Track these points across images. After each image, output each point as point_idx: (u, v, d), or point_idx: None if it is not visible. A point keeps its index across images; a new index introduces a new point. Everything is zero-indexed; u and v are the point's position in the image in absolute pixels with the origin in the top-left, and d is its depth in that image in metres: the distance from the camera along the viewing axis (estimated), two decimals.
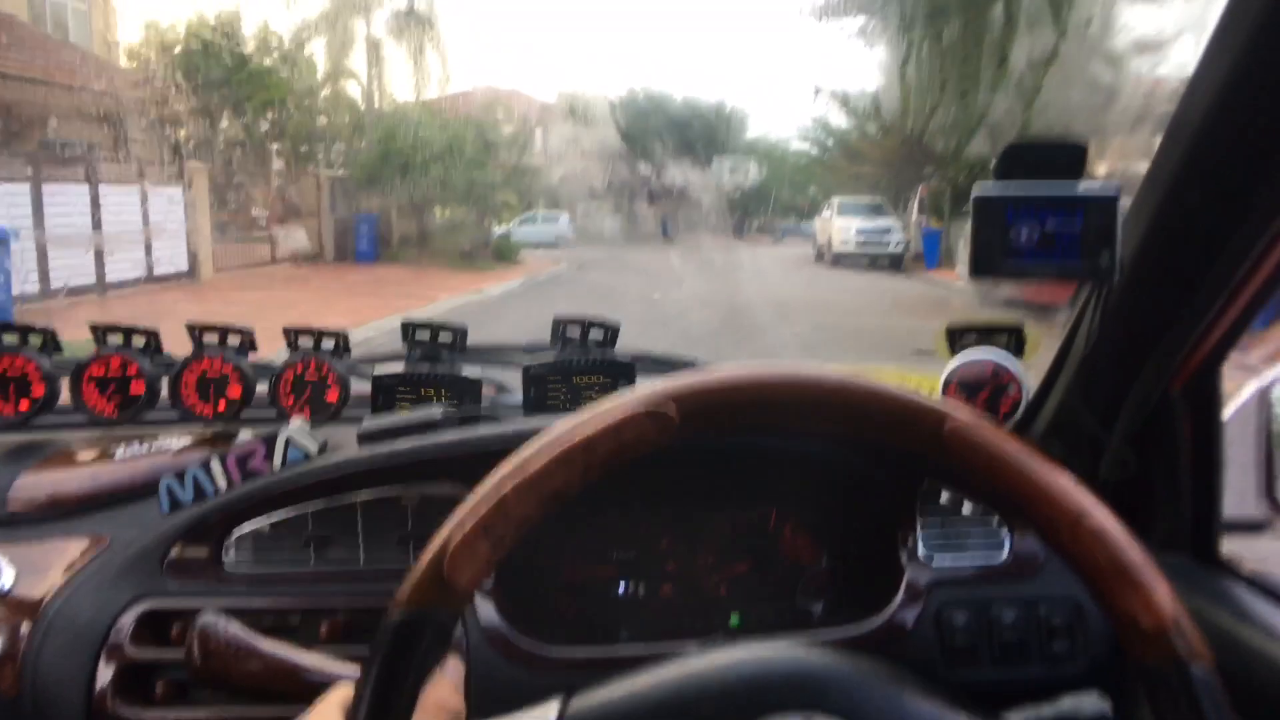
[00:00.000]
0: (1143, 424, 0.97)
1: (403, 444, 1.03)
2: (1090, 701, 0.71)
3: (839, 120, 20.77)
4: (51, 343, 1.32)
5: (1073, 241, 0.78)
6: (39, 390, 1.28)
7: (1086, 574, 0.56)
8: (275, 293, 11.92)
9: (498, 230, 18.83)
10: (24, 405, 1.28)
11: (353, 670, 0.72)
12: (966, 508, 1.03)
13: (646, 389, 0.62)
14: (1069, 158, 0.80)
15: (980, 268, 0.80)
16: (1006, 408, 1.08)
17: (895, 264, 17.56)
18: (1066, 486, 0.56)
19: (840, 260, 17.95)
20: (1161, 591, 0.53)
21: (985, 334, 1.10)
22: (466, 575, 0.57)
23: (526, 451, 0.59)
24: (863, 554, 1.12)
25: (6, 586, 1.05)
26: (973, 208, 0.81)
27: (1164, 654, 0.52)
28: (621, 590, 1.16)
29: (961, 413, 0.58)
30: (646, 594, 1.16)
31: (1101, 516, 0.56)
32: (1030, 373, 1.12)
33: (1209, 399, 0.94)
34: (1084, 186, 0.79)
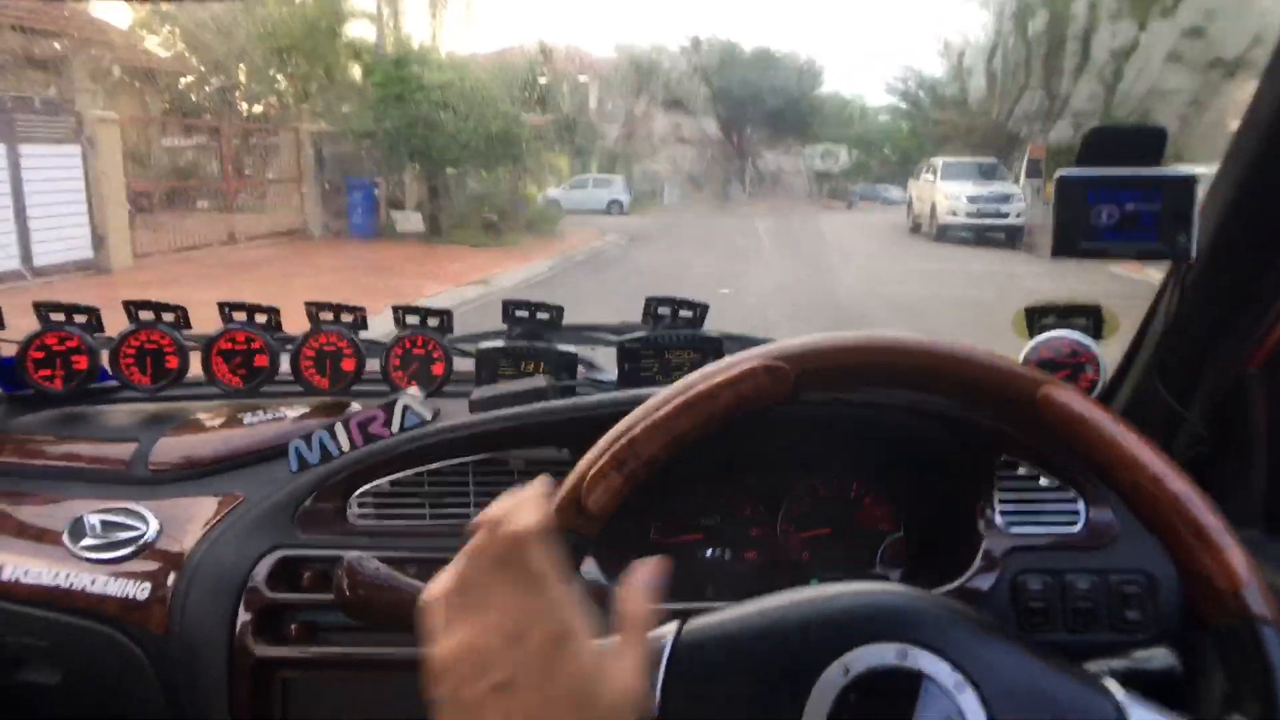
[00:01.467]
0: (1218, 403, 1.00)
1: (510, 411, 1.12)
2: (1160, 655, 0.75)
3: (934, 69, 18.63)
4: (183, 319, 1.44)
5: (1151, 221, 0.83)
6: (173, 363, 1.40)
7: (1165, 535, 0.61)
8: (205, 287, 8.58)
9: (542, 196, 16.55)
10: (160, 377, 1.40)
11: None
12: (1043, 480, 1.08)
13: (766, 347, 0.69)
14: (1149, 142, 0.85)
15: (1062, 248, 0.85)
16: (1084, 387, 1.12)
17: (1012, 238, 14.25)
18: (1149, 451, 0.62)
19: (946, 233, 14.76)
20: (1236, 553, 0.58)
21: (1064, 314, 1.14)
22: (601, 501, 0.65)
23: (656, 399, 0.67)
24: (940, 524, 1.17)
25: (153, 538, 1.16)
26: (1054, 190, 0.85)
27: (1237, 614, 0.57)
28: (708, 554, 1.23)
29: (1053, 378, 0.64)
30: (731, 558, 1.23)
31: (1181, 481, 0.61)
32: (1109, 354, 1.16)
33: None
34: (1163, 169, 0.84)
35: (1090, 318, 1.13)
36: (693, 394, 0.66)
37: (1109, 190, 0.84)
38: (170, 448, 1.27)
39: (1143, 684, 0.72)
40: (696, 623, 0.66)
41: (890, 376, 0.69)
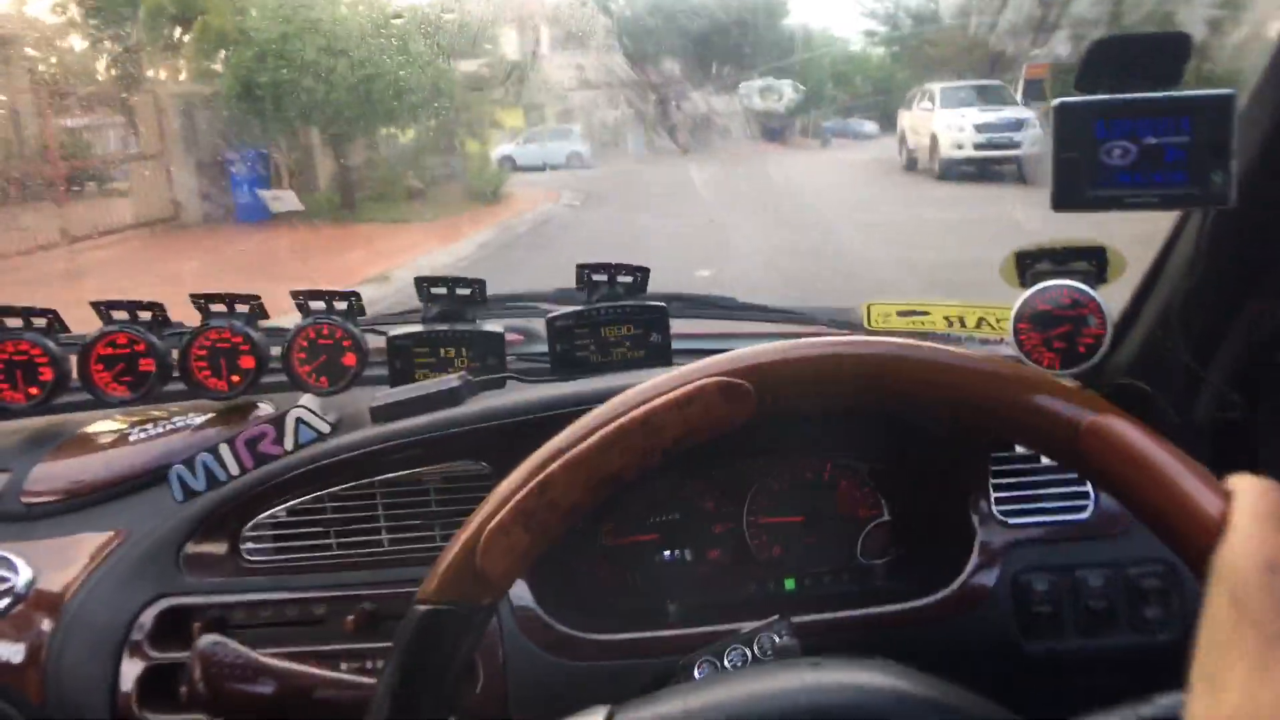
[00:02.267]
0: (1247, 359, 0.85)
1: (420, 421, 0.95)
2: None
3: None
4: (57, 324, 1.26)
5: (1179, 158, 0.65)
6: (47, 374, 1.22)
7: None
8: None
9: (496, 154, 14.79)
10: (34, 391, 1.22)
11: (371, 683, 0.66)
12: (1044, 459, 0.92)
13: (719, 358, 0.52)
14: (1169, 55, 0.67)
15: (1065, 197, 0.68)
16: (1087, 345, 0.95)
17: (1025, 171, 11.61)
18: (1212, 498, 0.45)
19: (952, 169, 12.32)
20: None
21: (1061, 259, 0.97)
22: (501, 568, 0.50)
23: (578, 426, 0.51)
24: (928, 507, 1.03)
25: (24, 587, 1.01)
26: (1054, 122, 0.68)
27: None
28: (666, 557, 1.08)
29: (1099, 408, 0.48)
30: (693, 560, 1.08)
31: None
32: (1112, 300, 0.99)
33: None
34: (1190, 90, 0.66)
35: (1093, 261, 0.96)
36: (626, 421, 0.50)
37: (1123, 120, 0.66)
38: (46, 476, 1.11)
39: None
40: (629, 719, 0.51)
41: (881, 397, 0.52)
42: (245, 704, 0.67)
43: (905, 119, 14.40)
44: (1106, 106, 0.67)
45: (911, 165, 13.54)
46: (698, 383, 0.51)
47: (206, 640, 0.67)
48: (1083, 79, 0.69)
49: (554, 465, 0.51)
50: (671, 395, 0.51)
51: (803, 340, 0.53)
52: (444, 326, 1.15)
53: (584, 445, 0.51)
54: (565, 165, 15.51)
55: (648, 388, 0.52)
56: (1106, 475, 0.47)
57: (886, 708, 0.50)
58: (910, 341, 0.52)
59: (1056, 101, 0.69)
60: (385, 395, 0.99)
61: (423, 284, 1.18)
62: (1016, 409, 0.49)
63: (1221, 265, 0.81)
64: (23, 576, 1.02)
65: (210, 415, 1.19)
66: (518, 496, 0.51)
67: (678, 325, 1.20)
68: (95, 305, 1.24)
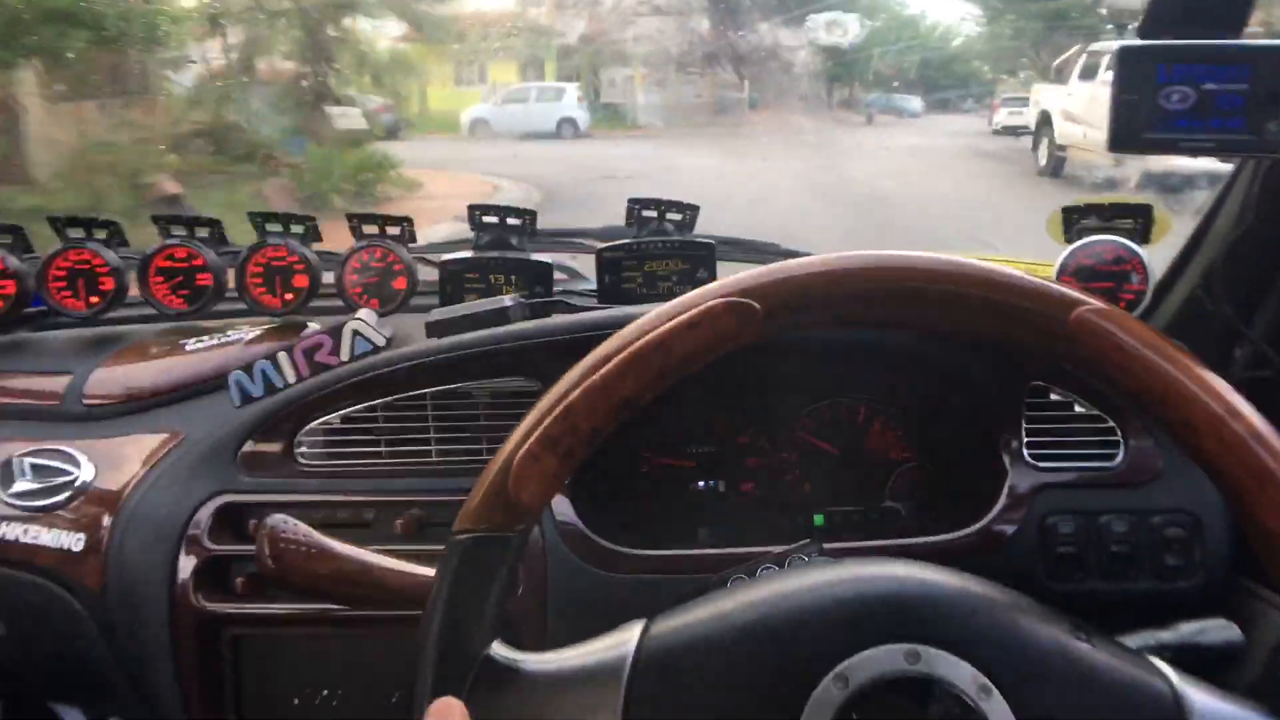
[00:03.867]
0: None
1: (472, 336, 0.99)
2: (1216, 628, 0.64)
3: None
4: (118, 235, 1.30)
5: (1237, 105, 0.67)
6: (107, 284, 1.26)
7: (1226, 479, 0.50)
8: None
9: (466, 116, 11.75)
10: (94, 300, 1.27)
11: (425, 571, 0.69)
12: (1078, 408, 0.95)
13: (726, 280, 0.55)
14: (1231, 3, 0.68)
15: (1121, 138, 0.70)
16: (1128, 300, 0.97)
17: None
18: (1213, 384, 0.49)
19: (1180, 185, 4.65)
20: None
21: (1107, 216, 0.98)
22: (532, 493, 0.53)
23: (595, 355, 0.54)
24: (959, 453, 1.05)
25: (87, 481, 1.05)
26: (1116, 66, 0.69)
27: None
28: (700, 486, 1.12)
29: (1090, 299, 0.51)
30: (726, 490, 1.11)
31: (1248, 419, 0.49)
32: (1156, 260, 1.01)
33: None
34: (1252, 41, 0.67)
35: (1138, 218, 0.98)
36: (640, 345, 0.53)
37: (1184, 66, 0.67)
38: (106, 380, 1.16)
39: (1199, 662, 0.61)
40: (663, 626, 0.54)
41: (886, 306, 0.55)
42: (305, 579, 0.71)
43: (1053, 96, 9.07)
44: (1168, 51, 0.68)
45: (1058, 169, 8.49)
46: (706, 304, 0.54)
47: (275, 518, 0.71)
48: (1147, 24, 0.70)
49: (575, 392, 0.54)
50: (682, 318, 0.54)
51: (804, 259, 0.55)
52: (494, 254, 1.18)
53: (602, 372, 0.54)
54: (556, 133, 12.04)
55: (659, 312, 0.55)
56: (1097, 361, 0.50)
57: (920, 595, 0.53)
58: (904, 252, 0.54)
59: (1118, 45, 0.70)
60: (439, 312, 1.02)
61: (475, 211, 1.21)
62: (1007, 303, 0.52)
63: (1270, 219, 0.83)
64: (84, 471, 1.06)
65: (262, 331, 1.23)
66: (544, 424, 0.54)
67: (723, 269, 1.23)
68: (155, 219, 1.28)
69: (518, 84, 13.58)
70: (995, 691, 0.48)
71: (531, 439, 0.53)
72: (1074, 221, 1.00)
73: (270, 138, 6.94)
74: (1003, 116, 11.55)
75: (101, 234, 1.28)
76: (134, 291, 1.31)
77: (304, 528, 0.72)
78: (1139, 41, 0.70)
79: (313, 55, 7.79)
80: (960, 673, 0.49)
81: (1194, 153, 0.70)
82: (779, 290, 0.54)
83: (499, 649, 0.55)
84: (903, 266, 0.53)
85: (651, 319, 0.55)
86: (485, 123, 12.30)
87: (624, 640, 0.54)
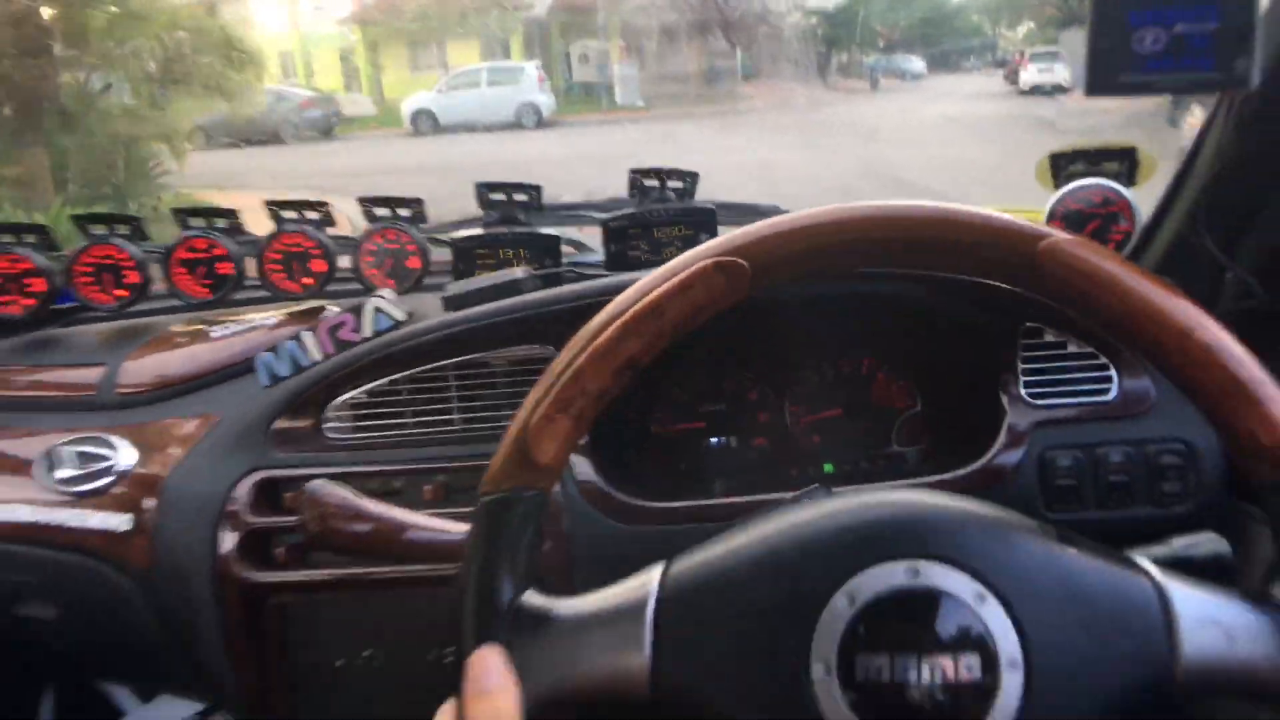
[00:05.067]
0: (1273, 249, 0.90)
1: (487, 308, 1.03)
2: (1206, 541, 0.68)
3: None
4: (139, 231, 1.34)
5: (1205, 44, 0.70)
6: (133, 277, 1.31)
7: (1198, 393, 0.54)
8: None
9: (407, 106, 9.80)
10: (121, 293, 1.32)
11: (457, 527, 0.74)
12: (1071, 346, 0.98)
13: (713, 241, 0.59)
14: None
15: (1098, 82, 0.73)
16: (1116, 240, 1.01)
17: None
18: (1172, 301, 0.53)
19: None
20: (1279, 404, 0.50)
21: (1094, 160, 1.02)
22: (550, 453, 0.57)
23: (597, 320, 0.58)
24: (961, 398, 1.09)
25: (128, 466, 1.10)
26: (1090, 11, 0.72)
27: None
28: (713, 443, 1.16)
29: (1055, 232, 0.54)
30: (739, 446, 1.16)
31: (1212, 330, 0.53)
32: (1144, 201, 1.04)
33: None
34: None
35: (1123, 161, 1.01)
36: (637, 309, 0.57)
37: (1154, 10, 0.70)
38: (138, 369, 1.21)
39: (1190, 571, 0.65)
40: (682, 564, 0.58)
41: (865, 256, 0.59)
42: (347, 540, 0.76)
43: None
44: None
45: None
46: (696, 265, 0.58)
47: (316, 483, 0.75)
48: None
49: (581, 357, 0.58)
50: (674, 281, 0.58)
51: (785, 215, 0.59)
52: (503, 229, 1.22)
53: (604, 336, 0.58)
54: (515, 121, 10.09)
55: (654, 276, 0.59)
56: (1065, 290, 0.54)
57: (917, 515, 0.57)
58: (881, 202, 0.58)
59: None
60: (455, 286, 1.06)
61: (482, 189, 1.25)
62: (977, 241, 0.56)
63: (1247, 154, 0.86)
64: (124, 455, 1.11)
65: (283, 316, 1.28)
66: (556, 388, 0.58)
67: (725, 232, 1.26)
68: (176, 211, 1.33)
69: (465, 66, 11.24)
70: (991, 597, 0.53)
71: (545, 403, 0.57)
72: (1061, 167, 1.03)
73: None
74: (1031, 74, 10.92)
75: (124, 229, 1.33)
76: (156, 286, 1.36)
77: (343, 490, 0.76)
78: None
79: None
80: (958, 583, 0.53)
81: (1166, 91, 0.73)
82: (763, 247, 0.58)
83: (532, 597, 0.59)
84: (878, 216, 0.57)
85: (646, 283, 0.59)
86: (429, 114, 10.31)
87: (647, 580, 0.58)
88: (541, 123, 10.38)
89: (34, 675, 1.39)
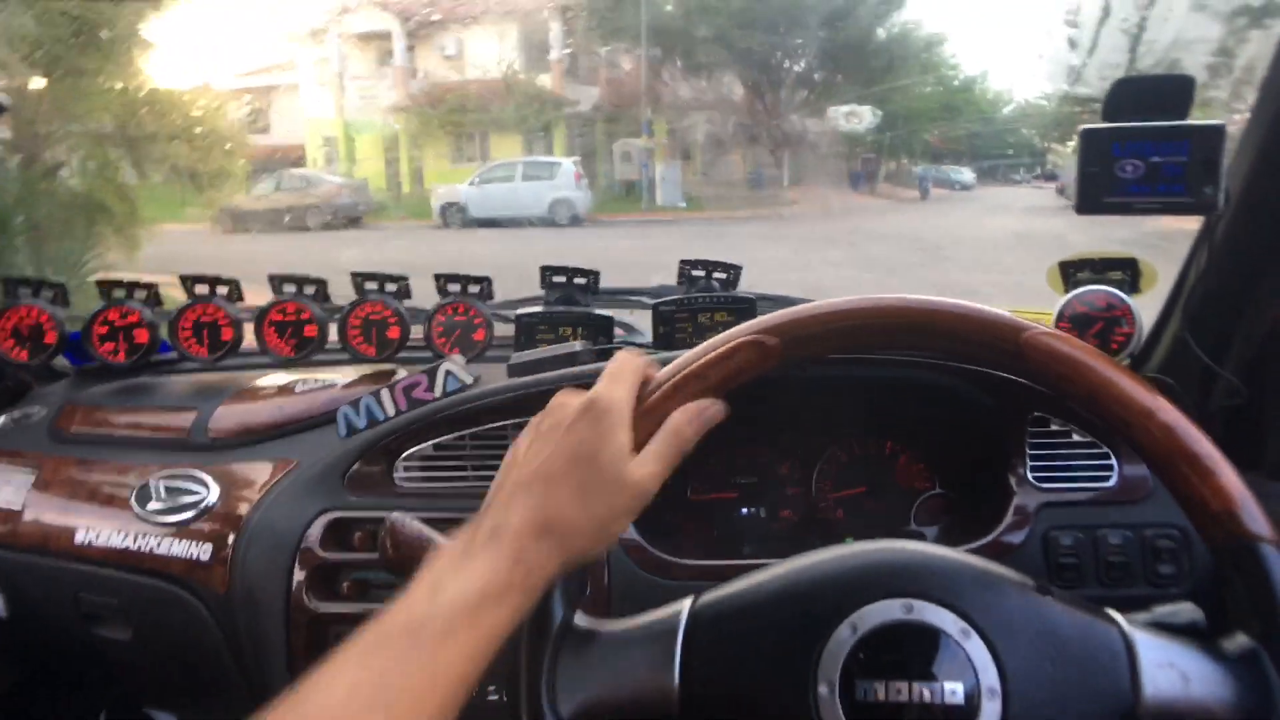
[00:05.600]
0: (1254, 353, 0.99)
1: (547, 375, 1.15)
2: (1185, 610, 0.76)
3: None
4: (236, 292, 1.50)
5: (1178, 173, 0.82)
6: (228, 334, 1.46)
7: (1159, 464, 0.63)
8: None
9: (436, 202, 9.62)
10: (216, 349, 1.46)
11: None
12: (1075, 435, 1.08)
13: (751, 321, 0.71)
14: (1176, 93, 0.84)
15: (1087, 202, 0.85)
16: (1119, 342, 1.11)
17: None
18: (1136, 388, 0.63)
19: None
20: (1226, 475, 0.59)
21: (1099, 269, 1.13)
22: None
23: (653, 384, 0.69)
24: (975, 481, 1.18)
25: (214, 501, 1.22)
26: (1080, 144, 0.85)
27: (1234, 533, 0.58)
28: (744, 513, 1.25)
29: (1037, 325, 0.65)
30: (767, 516, 1.25)
31: (1170, 413, 0.62)
32: (1147, 309, 1.14)
33: None
34: (1190, 122, 0.83)
35: (1126, 271, 1.12)
36: (682, 376, 0.69)
37: (1134, 143, 0.83)
38: (227, 416, 1.33)
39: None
40: (710, 595, 0.69)
41: (876, 339, 0.70)
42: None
43: None
44: (1121, 132, 0.84)
45: None
46: (735, 341, 0.69)
47: (395, 515, 0.86)
48: (1108, 109, 0.86)
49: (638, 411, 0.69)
50: (715, 352, 0.69)
51: (817, 302, 0.71)
52: (562, 308, 1.35)
53: (656, 396, 0.69)
54: (549, 218, 9.59)
55: (701, 348, 0.70)
56: (1045, 374, 0.65)
57: (914, 561, 0.67)
58: (900, 296, 0.69)
59: (1082, 128, 0.86)
60: (519, 355, 1.19)
61: (545, 272, 1.38)
62: (969, 331, 0.66)
63: (1228, 271, 0.96)
64: (211, 492, 1.23)
65: (359, 375, 1.41)
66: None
67: None
68: (271, 278, 1.48)
69: (502, 160, 10.62)
70: (974, 634, 0.62)
71: None
72: (1070, 274, 1.15)
73: None
74: None
75: (223, 290, 1.49)
76: (247, 342, 1.51)
77: (419, 524, 0.87)
78: (1098, 124, 0.86)
79: None
80: (946, 620, 0.63)
81: (1144, 213, 0.85)
82: (791, 327, 0.70)
83: (580, 618, 0.70)
84: (886, 307, 0.69)
85: (693, 354, 0.71)
86: (459, 207, 9.79)
87: (679, 608, 0.69)
88: (576, 219, 9.83)
89: (92, 698, 1.49)
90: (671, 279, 1.41)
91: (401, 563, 0.87)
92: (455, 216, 9.74)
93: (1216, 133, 0.82)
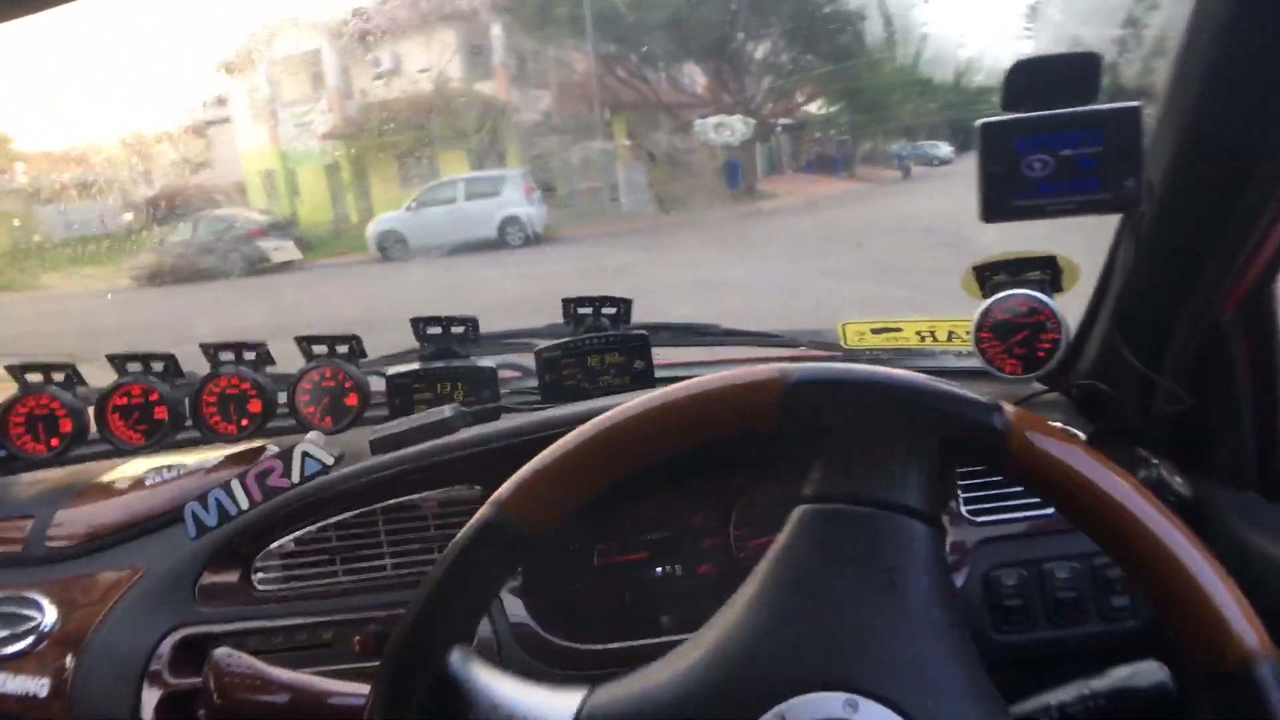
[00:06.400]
0: (1194, 355, 0.90)
1: (414, 450, 1.01)
2: (1147, 671, 0.65)
3: None
4: (75, 377, 1.33)
5: (1093, 167, 0.71)
6: (67, 426, 1.29)
7: (1160, 601, 0.52)
8: None
9: (372, 229, 8.50)
10: (54, 442, 1.29)
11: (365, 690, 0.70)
12: None
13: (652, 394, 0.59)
14: (1082, 74, 0.73)
15: (992, 208, 0.74)
16: (1046, 349, 1.00)
17: None
18: (1150, 512, 0.51)
19: None
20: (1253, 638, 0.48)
21: (1015, 270, 1.02)
22: (563, 499, 0.58)
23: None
24: None
25: (50, 625, 1.06)
26: (978, 140, 0.74)
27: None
28: (658, 573, 1.12)
29: (1024, 422, 0.53)
30: (684, 574, 1.12)
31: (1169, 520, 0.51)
32: (1070, 307, 1.04)
33: (1265, 320, 0.86)
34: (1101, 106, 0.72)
35: (1045, 270, 1.01)
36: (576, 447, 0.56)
37: (1040, 135, 0.72)
38: (70, 521, 1.17)
39: (1132, 705, 0.62)
40: (602, 696, 0.55)
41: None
42: (261, 714, 0.72)
43: None
44: (1024, 123, 0.73)
45: None
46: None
47: (220, 653, 0.72)
48: (1007, 99, 0.75)
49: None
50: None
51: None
52: (440, 364, 1.21)
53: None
54: (500, 238, 8.33)
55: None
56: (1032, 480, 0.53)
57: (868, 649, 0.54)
58: (869, 367, 0.58)
59: (979, 121, 0.75)
60: (382, 428, 1.04)
61: (418, 324, 1.24)
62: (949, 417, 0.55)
63: (1155, 269, 0.86)
64: (48, 615, 1.07)
65: (222, 457, 1.25)
66: (583, 448, 0.58)
67: (664, 354, 1.26)
68: (111, 358, 1.31)
69: (439, 180, 9.58)
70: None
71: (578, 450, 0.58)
72: (986, 278, 1.04)
73: None
74: None
75: (59, 376, 1.31)
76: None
77: (248, 659, 0.73)
78: (997, 117, 0.74)
79: None
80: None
81: (1059, 214, 0.74)
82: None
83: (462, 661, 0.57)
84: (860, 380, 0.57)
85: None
86: (397, 235, 8.72)
87: (565, 708, 0.55)
88: (531, 239, 8.50)
89: None
90: (644, 303, 1.25)
91: (229, 707, 0.73)
92: (396, 248, 8.58)
93: (1132, 116, 0.71)
